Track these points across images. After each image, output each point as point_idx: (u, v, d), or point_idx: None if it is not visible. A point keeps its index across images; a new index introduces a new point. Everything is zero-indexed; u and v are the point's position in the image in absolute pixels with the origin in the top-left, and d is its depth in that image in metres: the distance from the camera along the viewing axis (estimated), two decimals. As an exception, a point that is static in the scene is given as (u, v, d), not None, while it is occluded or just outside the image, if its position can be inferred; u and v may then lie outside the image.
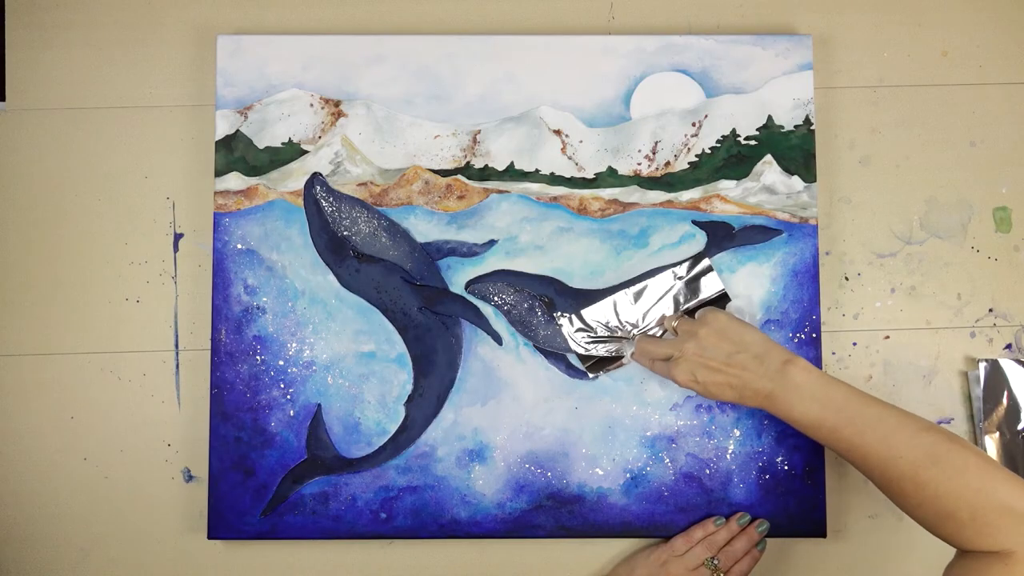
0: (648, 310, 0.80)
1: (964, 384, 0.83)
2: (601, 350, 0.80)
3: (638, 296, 0.80)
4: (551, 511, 0.79)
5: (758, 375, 0.70)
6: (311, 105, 0.81)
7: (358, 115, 0.81)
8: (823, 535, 0.79)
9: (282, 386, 0.80)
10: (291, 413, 0.80)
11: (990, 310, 0.83)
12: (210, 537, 0.79)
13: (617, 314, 0.80)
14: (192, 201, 0.83)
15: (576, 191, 0.81)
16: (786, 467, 0.79)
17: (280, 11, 0.85)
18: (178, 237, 0.83)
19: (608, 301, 0.80)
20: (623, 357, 0.79)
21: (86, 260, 0.83)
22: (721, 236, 0.81)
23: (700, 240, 0.81)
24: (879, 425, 0.66)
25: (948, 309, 0.83)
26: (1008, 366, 0.82)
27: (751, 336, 0.72)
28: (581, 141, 0.81)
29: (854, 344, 0.83)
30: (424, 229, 0.81)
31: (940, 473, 0.63)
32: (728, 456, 0.80)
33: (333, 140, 0.81)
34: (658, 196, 0.81)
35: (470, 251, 0.81)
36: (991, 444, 0.81)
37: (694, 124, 0.82)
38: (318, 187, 0.81)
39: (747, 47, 0.82)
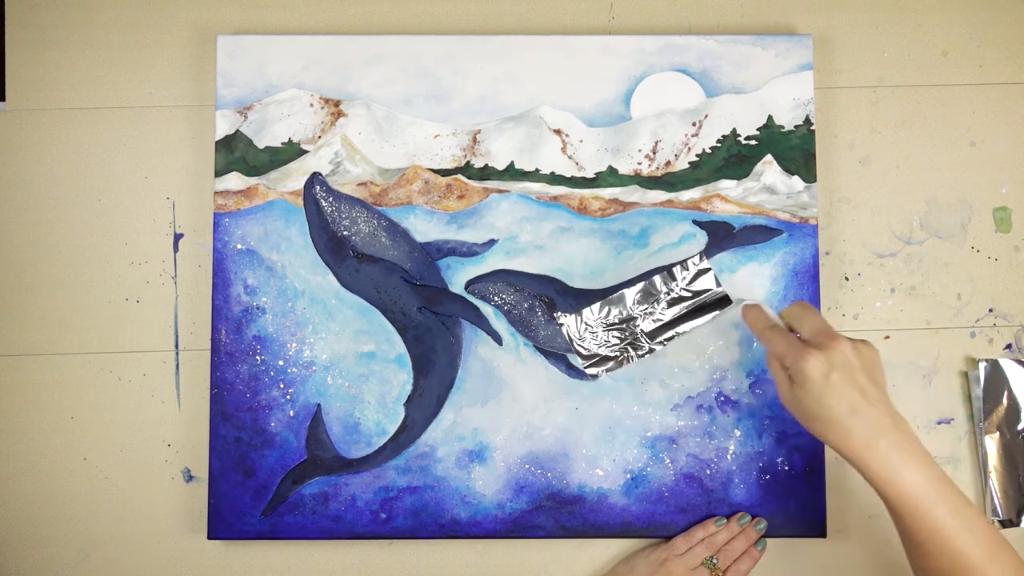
0: (647, 309, 0.80)
1: (964, 384, 0.83)
2: (604, 350, 0.80)
3: (639, 294, 0.80)
4: (551, 511, 0.79)
5: (887, 412, 0.64)
6: (311, 105, 0.81)
7: (358, 115, 0.81)
8: (823, 535, 0.79)
9: (282, 386, 0.80)
10: (291, 413, 0.80)
11: (990, 310, 0.83)
12: (210, 537, 0.79)
13: (619, 312, 0.80)
14: (192, 201, 0.83)
15: (576, 191, 0.81)
16: (786, 467, 0.79)
17: (280, 11, 0.85)
18: (178, 237, 0.83)
19: (609, 300, 0.80)
20: (731, 303, 0.76)
21: (86, 260, 0.83)
22: (721, 236, 0.81)
23: (701, 240, 0.81)
24: (965, 508, 0.63)
25: (948, 309, 0.83)
26: (1008, 366, 0.82)
27: (884, 375, 0.66)
28: (581, 141, 0.81)
29: (854, 344, 0.83)
30: (424, 229, 0.81)
31: (1004, 568, 0.62)
32: (729, 456, 0.80)
33: (333, 140, 0.81)
34: (658, 196, 0.81)
35: (470, 251, 0.81)
36: (991, 444, 0.81)
37: (694, 124, 0.82)
38: (318, 187, 0.81)
39: (747, 47, 0.82)
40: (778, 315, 0.72)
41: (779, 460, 0.79)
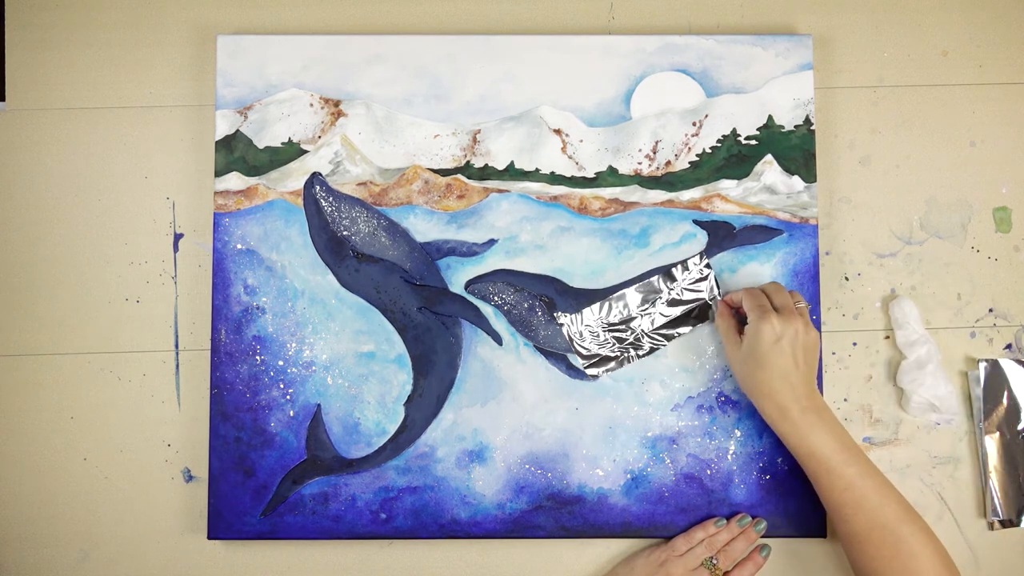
0: (647, 309, 0.80)
1: (964, 384, 0.83)
2: (604, 350, 0.80)
3: (639, 295, 0.80)
4: (551, 512, 0.79)
5: (809, 387, 0.73)
6: (311, 105, 0.81)
7: (358, 115, 0.81)
8: (823, 535, 0.79)
9: (282, 386, 0.80)
10: (291, 413, 0.80)
11: (990, 310, 0.83)
12: (210, 537, 0.79)
13: (620, 312, 0.80)
14: (192, 201, 0.83)
15: (576, 190, 0.81)
16: (786, 467, 0.79)
17: (280, 11, 0.85)
18: (178, 237, 0.83)
19: (609, 300, 0.80)
20: (716, 297, 0.79)
21: (86, 260, 0.83)
22: (722, 236, 0.81)
23: (701, 240, 0.81)
24: (875, 473, 0.71)
25: (948, 309, 0.83)
26: (1008, 366, 0.82)
27: (816, 361, 0.75)
28: (581, 140, 0.81)
29: (854, 344, 0.83)
30: (424, 229, 0.81)
31: (916, 532, 0.69)
32: (729, 457, 0.80)
33: (333, 140, 0.81)
34: (659, 195, 0.81)
35: (470, 251, 0.81)
36: (991, 444, 0.81)
37: (694, 124, 0.82)
38: (318, 187, 0.81)
39: (747, 47, 0.82)
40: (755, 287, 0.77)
41: (779, 460, 0.79)
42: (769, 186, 0.81)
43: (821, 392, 0.80)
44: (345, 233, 0.81)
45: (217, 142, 0.81)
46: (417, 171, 0.81)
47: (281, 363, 0.80)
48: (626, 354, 0.80)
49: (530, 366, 0.80)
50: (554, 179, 0.81)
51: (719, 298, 0.79)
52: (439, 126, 0.82)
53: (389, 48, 0.82)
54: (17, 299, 0.83)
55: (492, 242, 0.81)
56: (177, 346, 0.83)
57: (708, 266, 0.80)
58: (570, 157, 0.81)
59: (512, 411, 0.80)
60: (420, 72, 0.82)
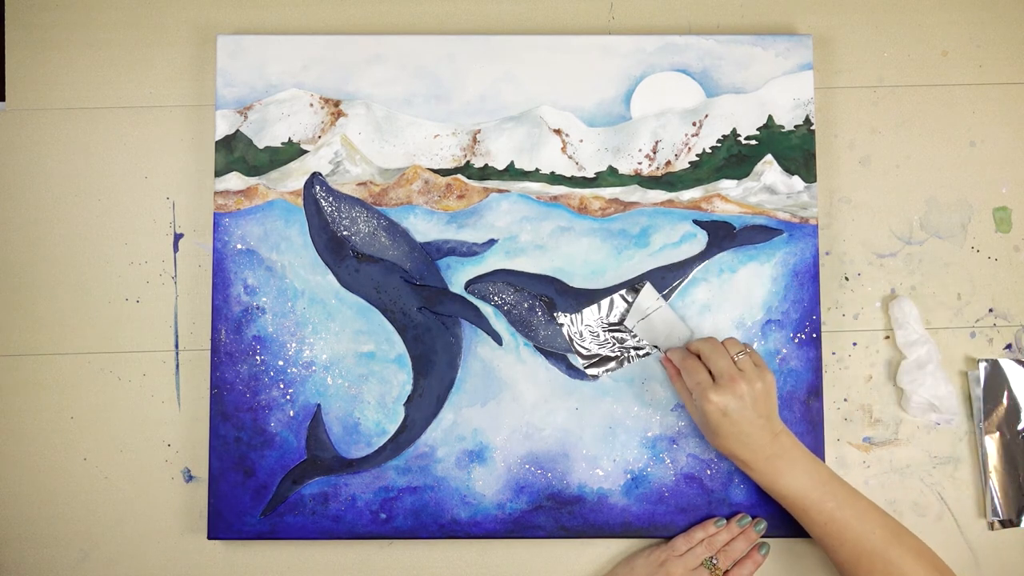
0: (625, 314, 0.80)
1: (964, 384, 0.83)
2: (604, 350, 0.80)
3: (630, 298, 0.80)
4: (551, 512, 0.79)
5: (768, 436, 0.73)
6: (311, 105, 0.81)
7: (358, 115, 0.81)
8: (823, 535, 0.79)
9: (282, 386, 0.80)
10: (291, 413, 0.79)
11: (990, 310, 0.83)
12: (210, 537, 0.79)
13: (620, 313, 0.80)
14: (192, 201, 0.83)
15: (576, 190, 0.81)
16: (786, 467, 0.79)
17: (280, 11, 0.85)
18: (178, 237, 0.83)
19: (607, 300, 0.80)
20: (653, 351, 0.79)
21: (86, 260, 0.83)
22: (722, 236, 0.81)
23: (701, 240, 0.81)
24: (856, 501, 0.72)
25: (948, 309, 0.83)
26: (1008, 366, 0.82)
27: (775, 401, 0.75)
28: (581, 140, 0.81)
29: (854, 344, 0.83)
30: (424, 228, 0.81)
31: (905, 552, 0.70)
32: (728, 456, 0.80)
33: (333, 140, 0.81)
34: (659, 195, 0.81)
35: (470, 251, 0.81)
36: (991, 444, 0.81)
37: (694, 124, 0.82)
38: (318, 187, 0.81)
39: (747, 47, 0.82)
40: (692, 342, 0.77)
41: (779, 460, 0.79)
42: (769, 186, 0.81)
43: (820, 394, 0.80)
44: (345, 233, 0.81)
45: (217, 142, 0.81)
46: (417, 171, 0.81)
47: (281, 363, 0.80)
48: (626, 354, 0.80)
49: (530, 366, 0.80)
50: (554, 179, 0.81)
51: (663, 307, 0.79)
52: (439, 126, 0.82)
53: (389, 48, 0.82)
54: (17, 299, 0.83)
55: (492, 242, 0.81)
56: (177, 346, 0.83)
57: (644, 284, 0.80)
58: (570, 157, 0.81)
59: (512, 411, 0.80)
60: (420, 72, 0.82)
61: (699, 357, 0.75)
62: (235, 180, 0.81)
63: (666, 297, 0.80)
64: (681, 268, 0.81)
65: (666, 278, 0.81)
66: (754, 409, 0.72)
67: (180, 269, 0.83)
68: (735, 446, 0.73)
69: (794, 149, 0.81)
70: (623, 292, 0.80)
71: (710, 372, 0.74)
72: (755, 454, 0.73)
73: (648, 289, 0.78)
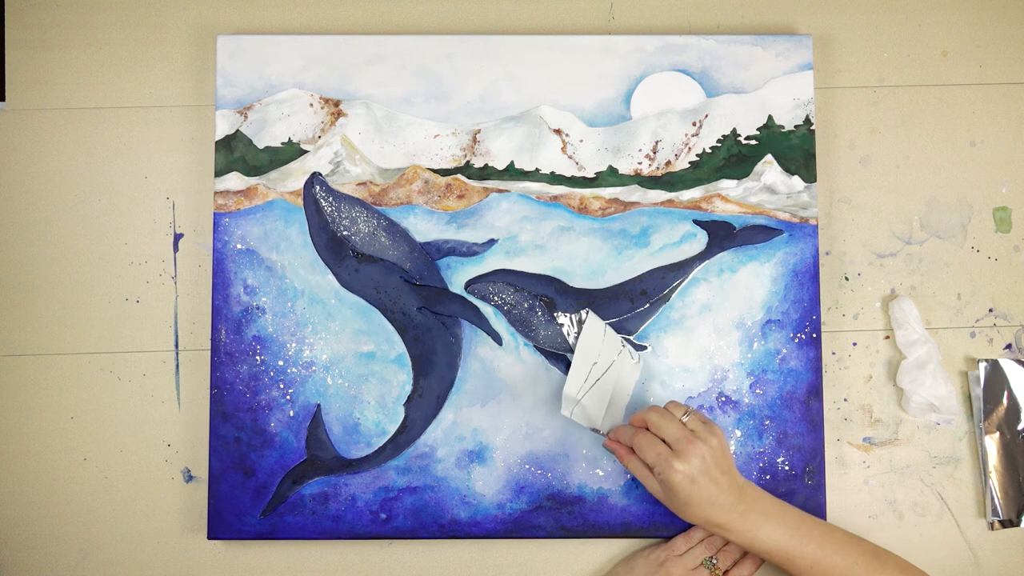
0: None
1: (964, 384, 0.83)
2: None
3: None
4: (551, 512, 0.79)
5: (736, 492, 0.72)
6: (311, 105, 0.81)
7: (358, 115, 0.81)
8: (823, 535, 0.79)
9: (282, 386, 0.80)
10: (291, 413, 0.79)
11: (990, 310, 0.83)
12: (210, 537, 0.79)
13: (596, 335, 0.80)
14: (192, 201, 0.83)
15: (576, 190, 0.81)
16: (786, 467, 0.79)
17: (280, 11, 0.85)
18: (178, 237, 0.83)
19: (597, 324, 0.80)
20: (597, 431, 0.77)
21: (86, 260, 0.83)
22: (722, 236, 0.81)
23: (701, 240, 0.81)
24: (831, 535, 0.72)
25: (948, 309, 0.83)
26: (1008, 366, 0.82)
27: (730, 454, 0.74)
28: (581, 140, 0.81)
29: (854, 344, 0.83)
30: (424, 228, 0.81)
31: (890, 573, 0.71)
32: (728, 456, 0.79)
33: (333, 140, 0.81)
34: (659, 195, 0.81)
35: (470, 251, 0.81)
36: (991, 444, 0.81)
37: (695, 124, 0.82)
38: (317, 187, 0.81)
39: (747, 47, 0.82)
40: (636, 415, 0.75)
41: (779, 460, 0.79)
42: (769, 186, 0.81)
43: (820, 394, 0.80)
44: (345, 233, 0.81)
45: (217, 142, 0.81)
46: (417, 171, 0.81)
47: (281, 363, 0.80)
48: (625, 346, 0.80)
49: (530, 366, 0.80)
50: (554, 179, 0.81)
51: (594, 387, 0.77)
52: (439, 126, 0.82)
53: (389, 48, 0.82)
54: (17, 299, 0.83)
55: (492, 242, 0.81)
56: (177, 346, 0.83)
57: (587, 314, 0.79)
58: (570, 157, 0.81)
59: (512, 411, 0.80)
60: (420, 72, 0.82)
61: (647, 428, 0.73)
62: (235, 180, 0.81)
63: (666, 298, 0.80)
64: (681, 268, 0.81)
65: (666, 278, 0.81)
66: (717, 467, 0.70)
67: (180, 269, 0.83)
68: (708, 511, 0.71)
69: (794, 149, 0.81)
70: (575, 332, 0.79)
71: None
72: (729, 514, 0.71)
73: (576, 370, 0.76)
